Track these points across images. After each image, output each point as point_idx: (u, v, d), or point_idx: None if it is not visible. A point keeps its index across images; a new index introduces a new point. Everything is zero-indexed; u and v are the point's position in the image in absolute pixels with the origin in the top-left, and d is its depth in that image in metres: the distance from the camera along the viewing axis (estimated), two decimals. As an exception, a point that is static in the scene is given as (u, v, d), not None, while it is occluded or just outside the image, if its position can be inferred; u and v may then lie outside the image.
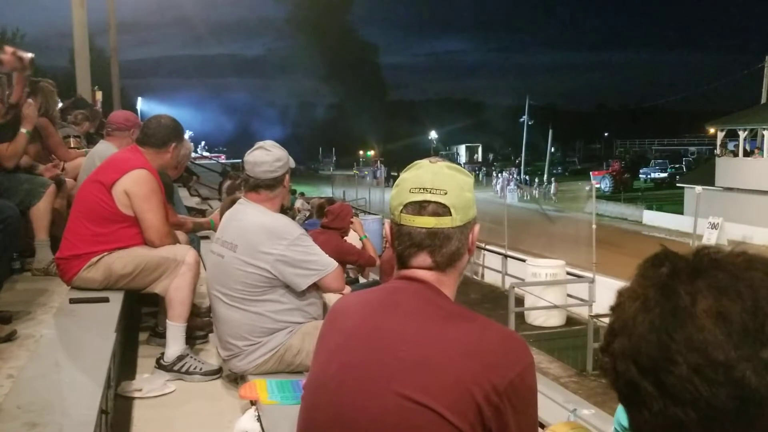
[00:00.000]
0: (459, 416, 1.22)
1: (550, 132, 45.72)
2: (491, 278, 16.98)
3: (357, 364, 1.34)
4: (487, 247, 17.93)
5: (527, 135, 51.04)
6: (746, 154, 26.06)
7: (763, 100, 29.74)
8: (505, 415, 1.24)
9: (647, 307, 0.78)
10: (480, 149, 63.76)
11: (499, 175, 45.35)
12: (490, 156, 65.52)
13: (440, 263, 1.39)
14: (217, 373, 3.27)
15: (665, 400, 0.74)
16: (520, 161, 52.94)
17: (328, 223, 5.61)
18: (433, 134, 72.24)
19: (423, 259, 1.39)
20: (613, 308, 0.84)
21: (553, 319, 12.71)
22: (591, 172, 41.40)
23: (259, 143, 3.06)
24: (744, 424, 0.72)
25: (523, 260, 15.08)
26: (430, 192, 1.35)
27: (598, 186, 36.44)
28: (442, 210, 1.35)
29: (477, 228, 1.44)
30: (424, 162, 1.43)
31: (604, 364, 0.83)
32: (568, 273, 13.44)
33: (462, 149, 62.75)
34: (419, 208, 1.36)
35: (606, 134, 79.40)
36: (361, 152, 57.61)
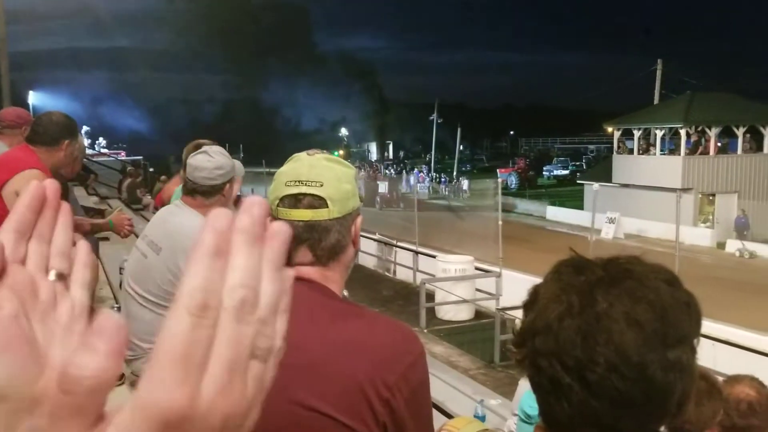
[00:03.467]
0: (352, 417, 1.21)
1: (459, 130, 46.78)
2: (403, 275, 17.18)
3: None
4: (399, 244, 18.15)
5: (437, 133, 51.98)
6: (642, 151, 27.54)
7: (656, 101, 31.53)
8: (397, 410, 1.24)
9: (572, 312, 0.87)
10: (391, 146, 64.39)
11: (410, 172, 45.69)
12: (401, 153, 66.24)
13: (321, 257, 1.36)
14: (119, 378, 3.16)
15: (586, 394, 0.85)
16: (431, 158, 53.83)
17: None
18: (343, 131, 72.21)
19: (304, 253, 1.35)
20: (528, 306, 0.94)
21: (463, 313, 13.02)
22: (498, 170, 42.70)
23: (206, 147, 2.99)
24: (646, 412, 0.86)
25: (434, 256, 15.36)
26: (305, 184, 1.34)
27: (504, 183, 37.61)
28: (318, 202, 1.33)
29: (359, 220, 1.42)
30: (302, 155, 1.41)
31: (521, 357, 0.93)
32: (477, 268, 13.79)
33: (373, 146, 63.17)
34: (295, 201, 1.34)
35: (512, 132, 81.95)
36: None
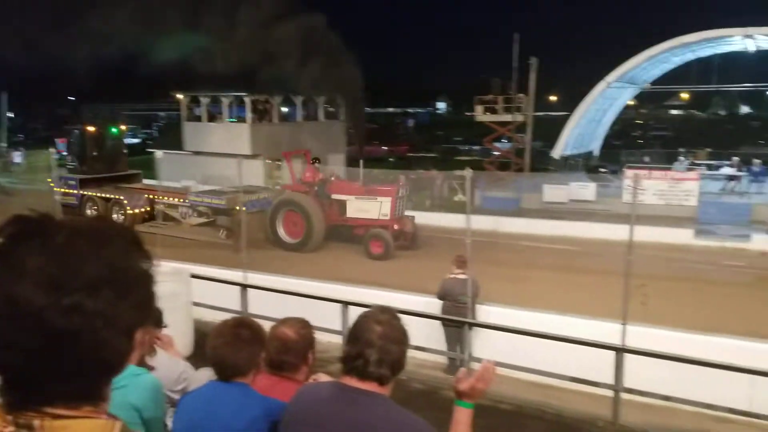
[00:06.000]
0: None
1: (5, 95, 40.63)
2: None
3: None
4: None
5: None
6: (210, 119, 27.74)
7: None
8: None
9: None
10: None
11: None
12: None
13: None
14: None
15: None
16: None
17: None
18: None
19: None
20: None
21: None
22: (56, 139, 38.30)
23: None
24: (58, 359, 0.86)
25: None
26: None
27: (65, 153, 33.87)
28: None
29: None
30: None
31: None
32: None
33: None
34: None
35: (72, 98, 75.41)
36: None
